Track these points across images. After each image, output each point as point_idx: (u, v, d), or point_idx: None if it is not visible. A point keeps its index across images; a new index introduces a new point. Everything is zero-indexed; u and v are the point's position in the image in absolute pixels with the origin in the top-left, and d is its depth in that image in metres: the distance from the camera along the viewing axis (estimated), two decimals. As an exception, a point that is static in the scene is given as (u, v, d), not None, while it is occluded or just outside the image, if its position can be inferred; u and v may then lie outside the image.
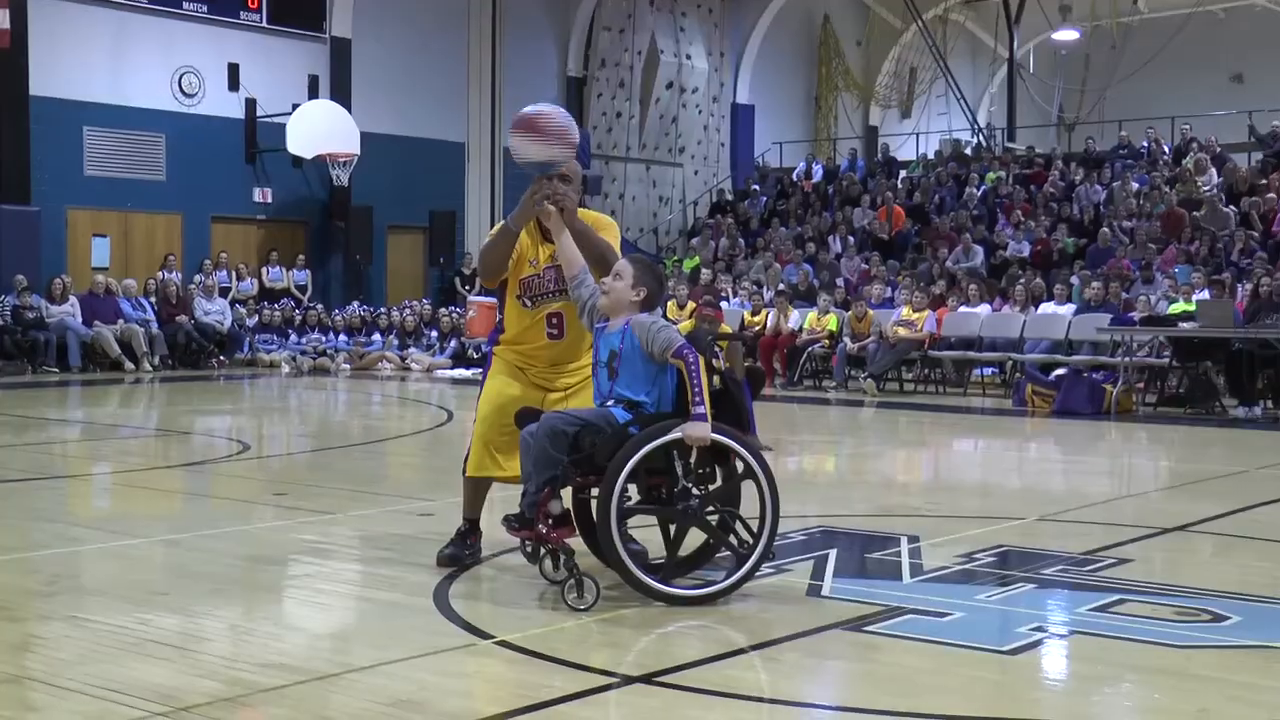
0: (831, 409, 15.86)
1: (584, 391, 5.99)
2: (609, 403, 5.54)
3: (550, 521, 5.44)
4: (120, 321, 20.81)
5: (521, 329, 6.13)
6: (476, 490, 6.26)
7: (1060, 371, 15.88)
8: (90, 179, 22.35)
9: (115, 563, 6.50)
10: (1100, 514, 8.06)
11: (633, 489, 5.48)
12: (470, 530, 6.32)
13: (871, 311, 18.49)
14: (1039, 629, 5.26)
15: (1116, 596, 5.67)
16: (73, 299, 20.68)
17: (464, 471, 6.20)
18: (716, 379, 5.62)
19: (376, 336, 22.60)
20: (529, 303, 6.08)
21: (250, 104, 24.01)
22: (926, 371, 18.29)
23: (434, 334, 22.54)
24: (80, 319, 20.52)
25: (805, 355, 18.53)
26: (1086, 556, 6.55)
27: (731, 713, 4.20)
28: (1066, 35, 35.39)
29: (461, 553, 6.25)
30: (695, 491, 5.47)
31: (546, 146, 5.75)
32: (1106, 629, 5.16)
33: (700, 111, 31.53)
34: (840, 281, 22.08)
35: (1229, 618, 5.37)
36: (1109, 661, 4.78)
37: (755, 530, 5.52)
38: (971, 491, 9.76)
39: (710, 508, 5.54)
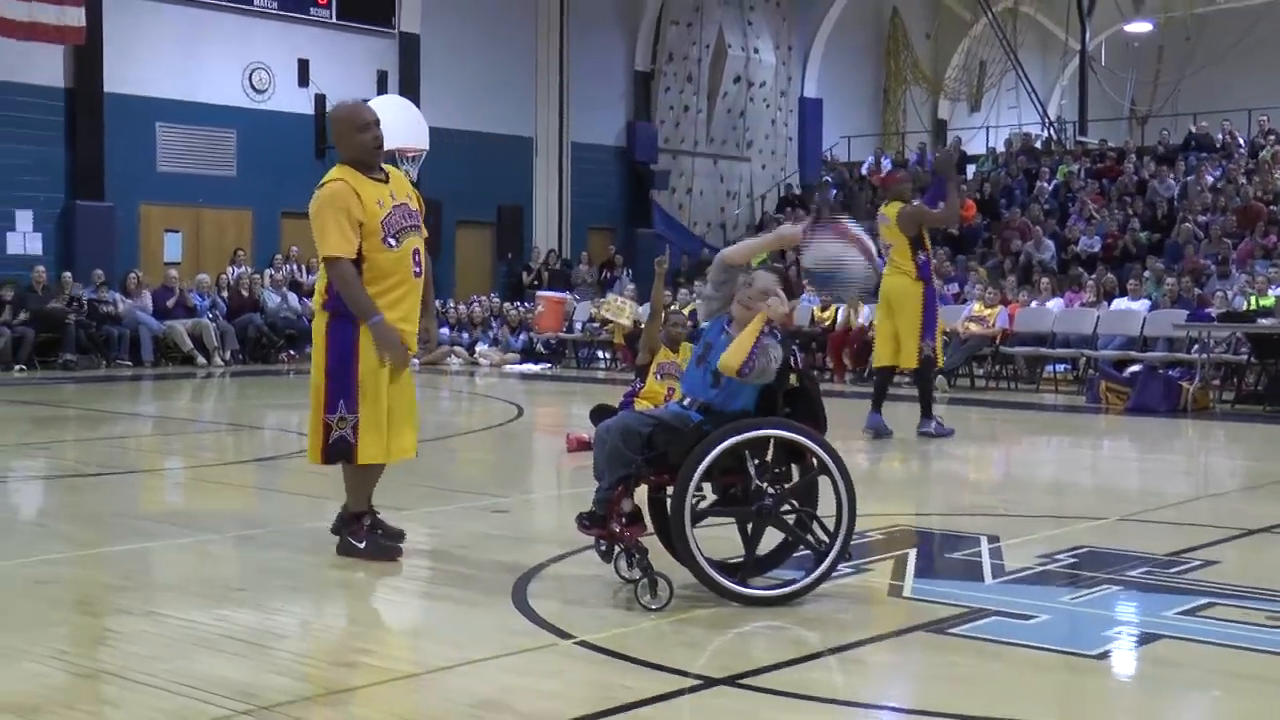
0: (901, 405, 15.68)
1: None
2: (685, 401, 5.50)
3: (623, 520, 5.40)
4: (192, 316, 20.99)
5: (392, 278, 6.18)
6: (371, 476, 6.36)
7: (1135, 368, 15.61)
8: (162, 175, 22.58)
9: (190, 558, 6.52)
10: (1181, 514, 7.91)
11: (707, 488, 5.43)
12: (375, 520, 6.36)
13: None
14: (1125, 633, 5.15)
15: (1205, 600, 5.53)
16: (145, 293, 20.89)
17: (352, 460, 6.20)
18: (795, 377, 5.55)
19: (444, 331, 22.62)
20: (393, 241, 6.16)
21: (320, 99, 24.10)
22: (998, 368, 18.09)
23: (503, 328, 22.53)
24: (152, 313, 20.73)
25: (875, 351, 18.35)
26: (1171, 558, 6.41)
27: (812, 716, 4.14)
28: (1139, 27, 34.95)
29: (360, 545, 6.24)
30: (770, 490, 5.40)
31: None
32: (1196, 633, 5.04)
33: (768, 105, 31.39)
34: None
35: (1322, 623, 5.23)
36: (1199, 667, 4.68)
37: (831, 529, 5.45)
38: (1047, 490, 9.61)
39: (786, 506, 5.46)
